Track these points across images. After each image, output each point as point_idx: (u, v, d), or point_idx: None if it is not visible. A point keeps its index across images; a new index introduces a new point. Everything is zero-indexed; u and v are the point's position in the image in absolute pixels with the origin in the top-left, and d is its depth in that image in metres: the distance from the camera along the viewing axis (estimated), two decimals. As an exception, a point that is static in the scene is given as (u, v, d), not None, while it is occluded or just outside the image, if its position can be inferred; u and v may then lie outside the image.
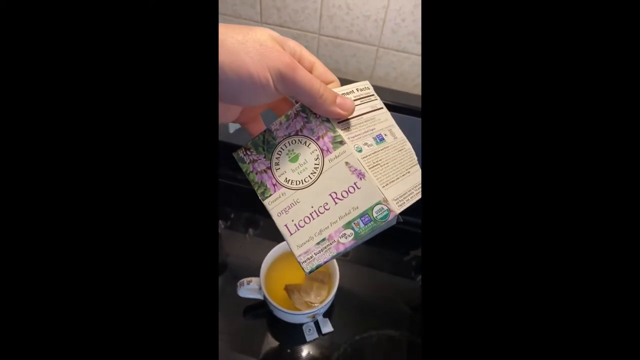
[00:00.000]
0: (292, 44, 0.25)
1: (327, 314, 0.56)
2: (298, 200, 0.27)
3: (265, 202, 0.28)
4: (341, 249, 0.26)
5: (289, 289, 0.53)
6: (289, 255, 0.57)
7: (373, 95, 0.29)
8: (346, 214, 0.26)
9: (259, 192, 0.28)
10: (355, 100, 0.27)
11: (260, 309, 0.56)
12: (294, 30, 0.59)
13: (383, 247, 0.65)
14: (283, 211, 0.27)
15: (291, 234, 0.27)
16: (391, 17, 0.54)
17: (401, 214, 0.26)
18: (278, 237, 0.62)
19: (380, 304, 0.58)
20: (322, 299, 0.53)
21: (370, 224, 0.25)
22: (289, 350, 0.54)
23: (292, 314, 0.50)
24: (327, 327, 0.55)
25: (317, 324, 0.55)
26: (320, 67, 0.27)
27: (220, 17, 0.62)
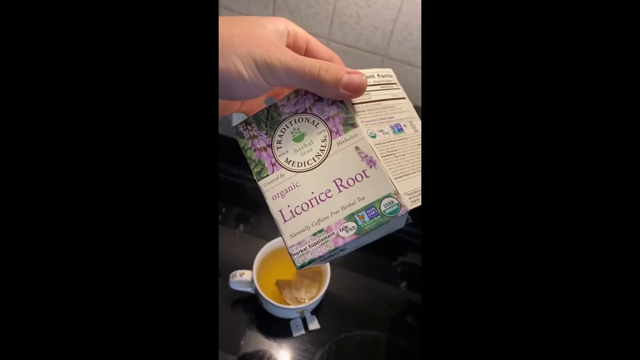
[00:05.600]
0: (282, 25, 0.23)
1: (315, 311, 0.57)
2: (297, 184, 0.24)
3: (261, 183, 0.25)
4: (340, 243, 0.23)
5: (280, 284, 0.54)
6: (282, 251, 0.58)
7: (396, 84, 0.27)
8: (350, 205, 0.23)
9: (255, 171, 0.25)
10: (375, 85, 0.25)
11: (248, 302, 0.57)
12: (303, 33, 0.61)
13: (371, 252, 0.66)
14: (279, 194, 0.24)
15: (285, 221, 0.24)
16: (399, 30, 0.56)
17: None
18: (268, 235, 0.65)
19: (365, 307, 0.60)
20: (312, 295, 0.54)
21: (376, 218, 0.22)
22: (275, 344, 0.54)
23: (282, 308, 0.51)
24: (314, 324, 0.56)
25: (304, 320, 0.56)
26: (315, 45, 0.25)
27: (232, 14, 0.63)
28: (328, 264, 0.55)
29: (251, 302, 0.57)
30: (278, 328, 0.55)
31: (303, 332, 0.55)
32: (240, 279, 0.52)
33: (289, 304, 0.52)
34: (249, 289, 0.54)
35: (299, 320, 0.56)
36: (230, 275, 0.53)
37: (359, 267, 0.64)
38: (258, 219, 0.67)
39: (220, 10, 0.63)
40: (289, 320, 0.56)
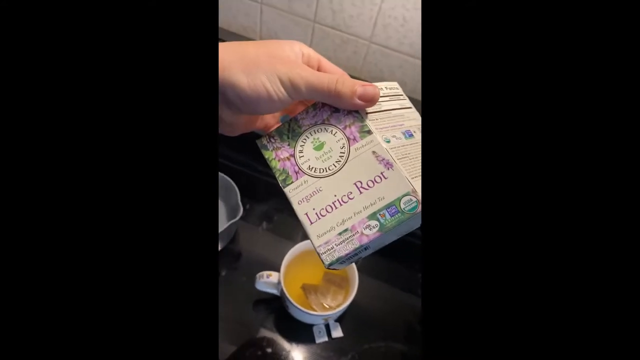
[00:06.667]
0: (297, 47, 0.26)
1: (339, 319, 0.56)
2: (320, 189, 0.26)
3: (286, 190, 0.27)
4: (365, 241, 0.25)
5: (306, 289, 0.53)
6: (308, 254, 0.57)
7: (402, 95, 0.29)
8: (371, 204, 0.25)
9: (280, 179, 0.27)
10: (384, 96, 0.27)
11: (271, 303, 0.56)
12: (345, 34, 0.60)
13: (396, 262, 0.65)
14: (304, 199, 0.26)
15: (311, 223, 0.26)
16: (445, 35, 0.54)
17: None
18: (292, 235, 0.64)
19: (390, 317, 0.58)
20: (338, 303, 0.53)
21: (397, 215, 0.24)
22: (297, 349, 0.53)
23: (308, 313, 0.50)
24: (338, 332, 0.54)
25: (327, 327, 0.55)
26: (326, 64, 0.28)
27: (274, 10, 0.62)
28: (356, 272, 0.54)
29: (274, 303, 0.56)
30: (301, 332, 0.54)
31: (326, 339, 0.54)
32: (267, 280, 0.52)
33: (314, 309, 0.51)
34: (275, 291, 0.53)
35: (322, 327, 0.55)
36: (257, 275, 0.52)
37: (384, 276, 0.63)
38: (281, 218, 0.66)
39: (262, 6, 0.63)
40: (311, 325, 0.55)
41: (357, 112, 0.26)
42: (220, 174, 0.63)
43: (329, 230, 0.25)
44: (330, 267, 0.26)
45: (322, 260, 0.25)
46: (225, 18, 0.67)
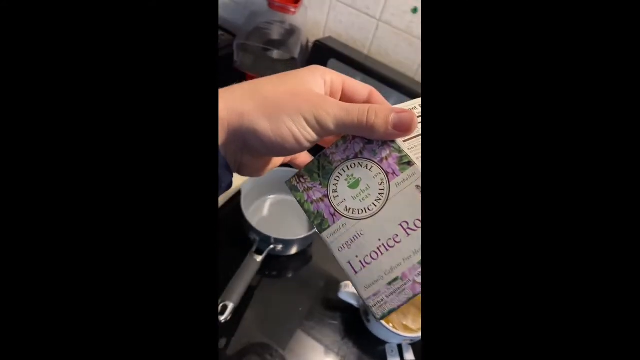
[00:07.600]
0: (319, 75, 0.24)
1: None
2: (362, 232, 0.23)
3: (324, 235, 0.24)
4: (418, 290, 0.22)
5: (388, 306, 0.54)
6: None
7: None
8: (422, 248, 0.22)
9: (315, 223, 0.24)
10: (420, 116, 0.24)
11: (345, 313, 0.57)
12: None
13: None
14: (345, 245, 0.24)
15: (356, 273, 0.23)
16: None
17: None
18: None
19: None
20: (418, 326, 0.53)
21: None
22: (369, 364, 0.54)
23: (391, 331, 0.50)
24: (410, 355, 0.54)
25: (400, 347, 0.55)
26: (351, 84, 0.25)
27: (390, 29, 0.64)
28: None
29: (347, 313, 0.57)
30: (374, 347, 0.55)
31: (398, 359, 0.54)
32: (351, 290, 0.52)
33: (395, 328, 0.51)
34: (354, 302, 0.54)
35: (395, 346, 0.55)
36: (342, 284, 0.53)
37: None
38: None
39: (379, 23, 0.64)
40: (383, 342, 0.55)
41: (393, 140, 0.23)
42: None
43: (377, 280, 0.23)
44: (383, 318, 0.24)
45: (372, 313, 0.23)
46: (337, 28, 0.69)
